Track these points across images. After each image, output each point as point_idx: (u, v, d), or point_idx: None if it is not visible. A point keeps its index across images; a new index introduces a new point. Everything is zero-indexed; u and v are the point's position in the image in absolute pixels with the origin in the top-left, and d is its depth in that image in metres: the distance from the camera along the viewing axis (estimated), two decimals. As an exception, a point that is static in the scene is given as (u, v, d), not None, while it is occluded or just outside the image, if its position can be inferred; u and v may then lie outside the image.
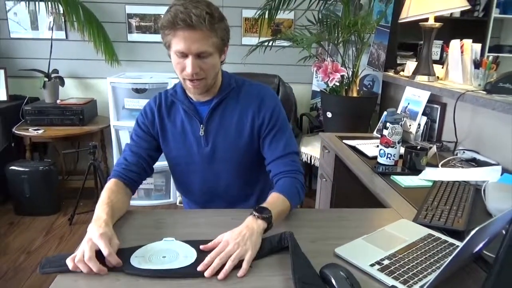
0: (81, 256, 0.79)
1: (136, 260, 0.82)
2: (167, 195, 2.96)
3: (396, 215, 1.10)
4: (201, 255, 0.84)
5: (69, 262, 0.79)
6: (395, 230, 0.99)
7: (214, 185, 1.23)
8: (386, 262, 0.84)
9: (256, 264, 0.83)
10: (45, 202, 2.73)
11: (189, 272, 0.79)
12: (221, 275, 0.78)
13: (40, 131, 2.66)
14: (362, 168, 1.56)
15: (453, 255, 0.66)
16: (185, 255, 0.85)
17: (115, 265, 0.80)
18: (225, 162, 1.19)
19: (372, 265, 0.83)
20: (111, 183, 1.09)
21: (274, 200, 1.02)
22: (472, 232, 0.64)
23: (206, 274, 0.78)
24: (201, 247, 0.87)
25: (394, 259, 0.85)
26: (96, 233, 0.84)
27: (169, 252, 0.85)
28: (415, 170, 1.48)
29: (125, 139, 2.89)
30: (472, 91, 1.72)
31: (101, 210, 0.96)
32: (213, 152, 1.18)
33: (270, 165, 1.17)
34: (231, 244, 0.84)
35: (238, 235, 0.86)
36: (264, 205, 0.97)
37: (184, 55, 1.03)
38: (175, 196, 2.94)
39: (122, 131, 2.88)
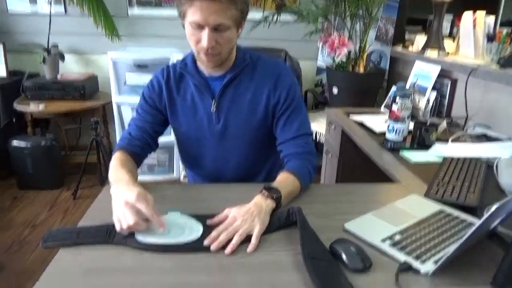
0: (127, 224, 0.78)
1: (141, 234, 0.80)
2: (171, 170, 2.95)
3: (405, 191, 1.07)
4: (208, 230, 0.82)
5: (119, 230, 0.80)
6: (405, 206, 0.96)
7: (223, 162, 1.20)
8: (397, 237, 0.81)
9: (264, 239, 0.81)
10: (48, 177, 2.73)
11: (195, 246, 0.77)
12: (228, 250, 0.76)
13: (41, 107, 2.63)
14: (369, 144, 1.53)
15: (471, 231, 0.64)
16: (190, 229, 0.82)
17: (160, 225, 0.79)
18: (237, 139, 1.16)
19: (383, 240, 0.80)
20: (117, 155, 1.06)
21: (284, 180, 0.99)
22: (493, 208, 0.61)
23: (212, 248, 0.76)
24: (208, 222, 0.85)
25: (405, 234, 0.83)
26: (132, 195, 0.81)
27: (174, 226, 0.83)
28: (424, 146, 1.45)
29: (127, 115, 2.85)
30: (484, 65, 1.67)
31: (119, 172, 0.94)
32: (225, 129, 1.14)
33: (282, 145, 1.13)
34: (239, 220, 0.82)
35: (246, 212, 0.84)
36: (273, 184, 0.95)
37: (200, 26, 0.97)
38: (179, 172, 2.93)
39: (124, 106, 2.84)
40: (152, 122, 1.15)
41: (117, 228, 0.80)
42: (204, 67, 1.12)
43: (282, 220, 0.86)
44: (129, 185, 0.86)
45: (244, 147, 1.16)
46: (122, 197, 0.83)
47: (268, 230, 0.84)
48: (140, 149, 1.12)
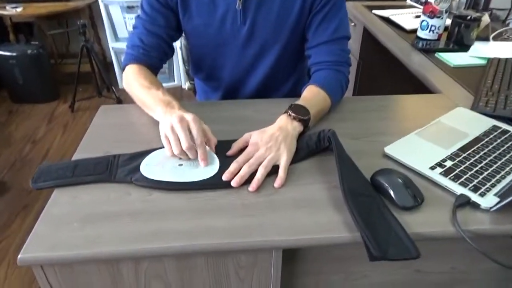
0: (178, 150, 0.67)
1: (147, 169, 0.68)
2: (171, 78, 2.76)
3: (449, 103, 0.93)
4: (225, 161, 0.69)
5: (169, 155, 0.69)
6: (452, 122, 0.82)
7: (244, 72, 1.01)
8: (448, 163, 0.69)
9: (291, 170, 0.69)
10: (41, 88, 2.56)
11: (213, 183, 0.65)
12: (253, 185, 0.64)
13: (19, 9, 2.33)
14: (398, 44, 1.33)
15: None
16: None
17: (201, 159, 0.68)
18: (264, 45, 0.95)
19: (432, 168, 0.68)
20: (135, 68, 0.87)
21: (313, 96, 0.83)
22: None
23: (233, 183, 0.65)
24: (227, 153, 0.72)
25: (457, 159, 0.70)
26: (188, 115, 0.70)
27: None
28: (462, 46, 1.26)
29: (117, 16, 2.56)
30: None
31: (158, 94, 0.79)
32: (251, 32, 0.92)
33: (313, 50, 0.93)
34: (262, 148, 0.69)
35: (269, 138, 0.71)
36: (301, 102, 0.79)
37: None
38: (180, 79, 2.75)
39: (113, 6, 2.53)
40: (166, 26, 0.92)
41: (168, 153, 0.69)
42: None
43: (311, 145, 0.73)
44: (183, 109, 0.73)
45: (271, 54, 0.96)
46: (177, 115, 0.69)
47: (296, 158, 0.71)
48: (158, 60, 0.93)
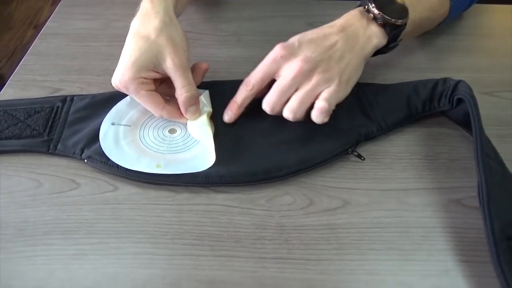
0: (115, 83, 0.37)
1: (113, 135, 0.38)
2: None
3: None
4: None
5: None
6: None
7: None
8: None
9: (372, 153, 0.37)
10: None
11: (229, 175, 0.35)
12: (286, 112, 0.36)
13: None
14: None
15: None
16: (206, 134, 0.38)
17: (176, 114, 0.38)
18: None
19: None
20: None
21: None
22: None
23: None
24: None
25: None
26: (150, 26, 0.37)
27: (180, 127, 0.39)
28: None
29: None
30: None
31: None
32: None
33: None
34: (297, 60, 0.35)
35: (316, 41, 0.36)
36: None
37: None
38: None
39: None
40: None
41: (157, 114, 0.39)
42: None
43: (416, 104, 0.39)
44: (154, 13, 0.37)
45: None
46: (132, 31, 0.38)
47: (381, 124, 0.38)
48: None
